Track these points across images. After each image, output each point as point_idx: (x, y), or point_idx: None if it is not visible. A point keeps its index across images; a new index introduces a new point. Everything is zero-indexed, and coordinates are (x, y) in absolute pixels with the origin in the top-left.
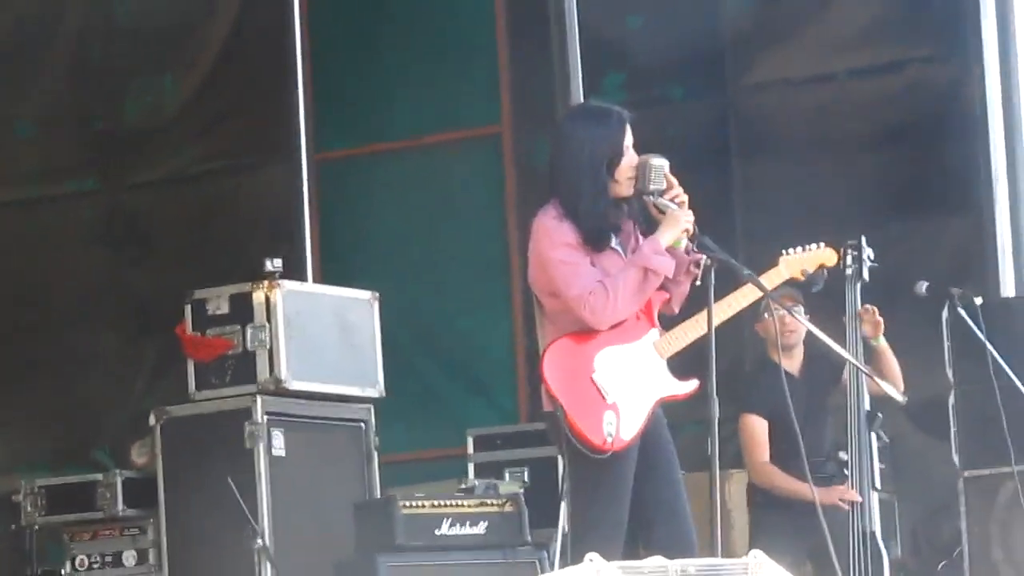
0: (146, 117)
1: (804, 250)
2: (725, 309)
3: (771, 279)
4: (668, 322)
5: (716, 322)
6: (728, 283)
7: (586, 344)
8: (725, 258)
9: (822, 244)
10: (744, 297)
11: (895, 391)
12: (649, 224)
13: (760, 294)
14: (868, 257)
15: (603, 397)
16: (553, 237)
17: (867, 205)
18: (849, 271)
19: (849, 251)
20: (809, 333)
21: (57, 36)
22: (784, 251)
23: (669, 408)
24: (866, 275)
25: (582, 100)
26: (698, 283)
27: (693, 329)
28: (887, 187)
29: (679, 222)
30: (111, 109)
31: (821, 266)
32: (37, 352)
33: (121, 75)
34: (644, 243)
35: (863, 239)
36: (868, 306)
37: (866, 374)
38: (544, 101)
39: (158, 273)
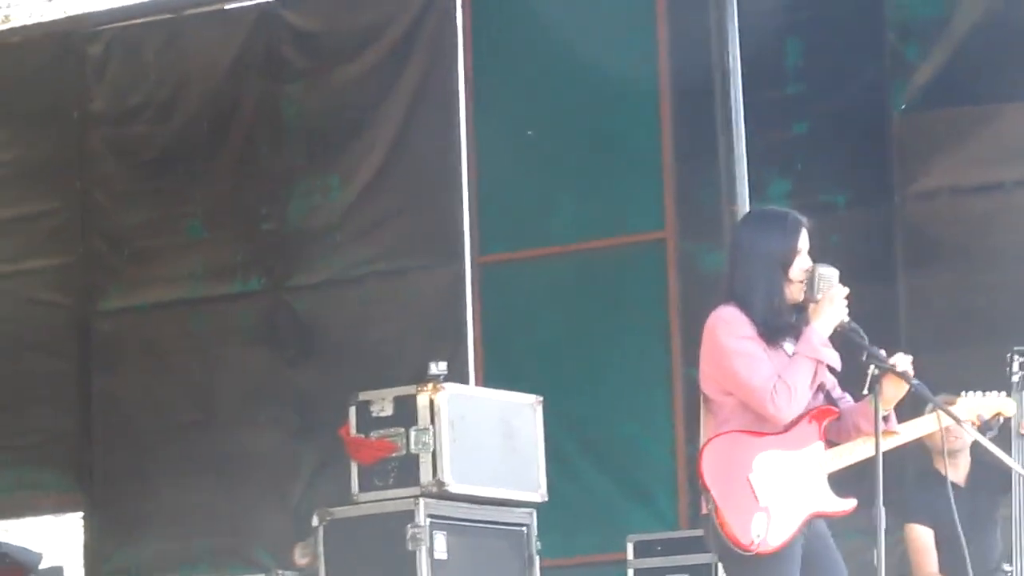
0: (312, 217)
1: (984, 395)
2: (905, 433)
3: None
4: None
5: (893, 445)
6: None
7: (748, 444)
8: (919, 387)
9: (1003, 393)
10: (926, 424)
11: None
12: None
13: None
14: None
15: (756, 498)
16: (733, 328)
17: None
18: (1016, 378)
19: (1016, 357)
20: (975, 442)
21: (227, 136)
22: (963, 392)
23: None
24: None
25: (748, 206)
26: (864, 392)
27: (861, 448)
28: None
29: (835, 308)
30: (277, 209)
31: (998, 414)
32: (200, 450)
33: (288, 175)
34: (809, 334)
35: None
36: None
37: None
38: (709, 207)
39: (320, 374)
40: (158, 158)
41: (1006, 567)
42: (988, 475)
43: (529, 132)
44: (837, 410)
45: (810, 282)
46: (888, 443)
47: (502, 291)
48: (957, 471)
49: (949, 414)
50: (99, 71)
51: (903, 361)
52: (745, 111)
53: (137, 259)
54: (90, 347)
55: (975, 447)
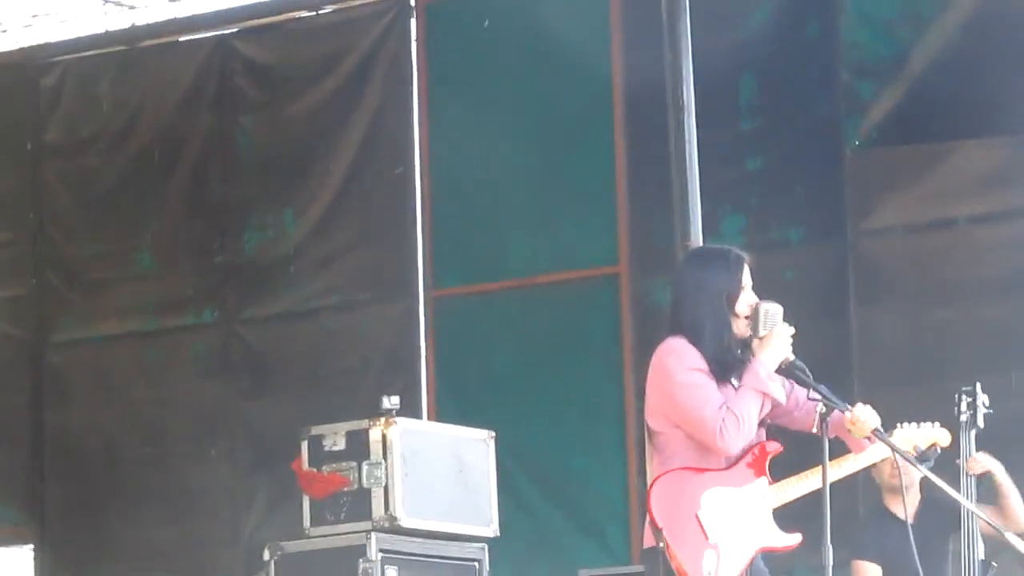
0: (265, 250)
1: (919, 426)
2: (847, 467)
3: (881, 450)
4: (779, 471)
5: (836, 478)
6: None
7: (695, 481)
8: (843, 406)
9: (937, 424)
10: (868, 456)
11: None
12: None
13: (884, 454)
14: (983, 404)
15: (705, 535)
16: (683, 359)
17: (987, 353)
18: (964, 418)
19: (964, 397)
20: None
21: (180, 168)
22: (899, 424)
23: (782, 555)
24: (980, 422)
25: (701, 242)
26: (812, 430)
27: (806, 482)
28: (1008, 335)
29: (780, 343)
30: (230, 241)
31: (934, 444)
32: (152, 484)
33: (241, 207)
34: (755, 366)
35: (977, 385)
36: (977, 457)
37: (986, 522)
38: (663, 242)
39: (273, 407)
40: (111, 190)
41: None
42: (938, 512)
43: (486, 23)
44: (779, 447)
45: (755, 318)
46: (833, 476)
47: (456, 325)
48: (908, 507)
49: (887, 443)
50: (53, 102)
51: (861, 410)
52: (699, 147)
53: (89, 291)
54: (42, 379)
55: (924, 484)
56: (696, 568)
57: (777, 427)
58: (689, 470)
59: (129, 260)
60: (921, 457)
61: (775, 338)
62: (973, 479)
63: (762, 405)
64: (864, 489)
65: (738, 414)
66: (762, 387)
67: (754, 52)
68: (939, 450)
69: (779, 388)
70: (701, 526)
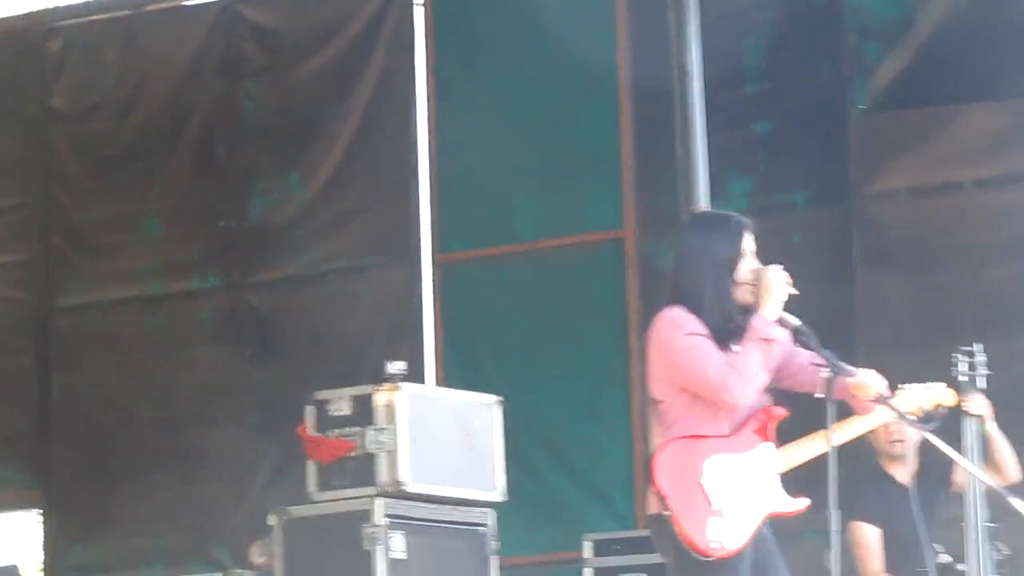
0: (271, 215)
1: (925, 387)
2: (851, 430)
3: (886, 413)
4: (785, 436)
5: (840, 442)
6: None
7: (697, 448)
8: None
9: (943, 384)
10: (872, 419)
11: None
12: None
13: (887, 418)
14: (982, 365)
15: (709, 503)
16: (682, 326)
17: (991, 316)
18: (963, 379)
19: (963, 358)
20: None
21: (186, 133)
22: (902, 385)
23: (788, 519)
24: (980, 384)
25: (708, 205)
26: (817, 393)
27: (811, 446)
28: (1012, 299)
29: (777, 291)
30: (236, 206)
31: (938, 404)
32: (158, 447)
33: (247, 172)
34: (752, 319)
35: (976, 346)
36: (974, 397)
37: (989, 484)
38: (668, 206)
39: (279, 371)
40: (118, 155)
41: (960, 567)
42: (933, 472)
43: None
44: (783, 412)
45: (759, 285)
46: (838, 439)
47: (461, 289)
48: (905, 471)
49: (890, 407)
50: (58, 68)
51: (866, 374)
52: (706, 111)
53: (97, 255)
54: (49, 344)
55: (923, 446)
56: (702, 536)
57: (781, 390)
58: (692, 438)
59: (136, 224)
60: (926, 418)
61: (770, 290)
62: (974, 441)
63: (767, 356)
64: (866, 451)
65: (741, 367)
66: (760, 335)
67: (759, 15)
68: (945, 410)
69: (780, 331)
70: (705, 494)
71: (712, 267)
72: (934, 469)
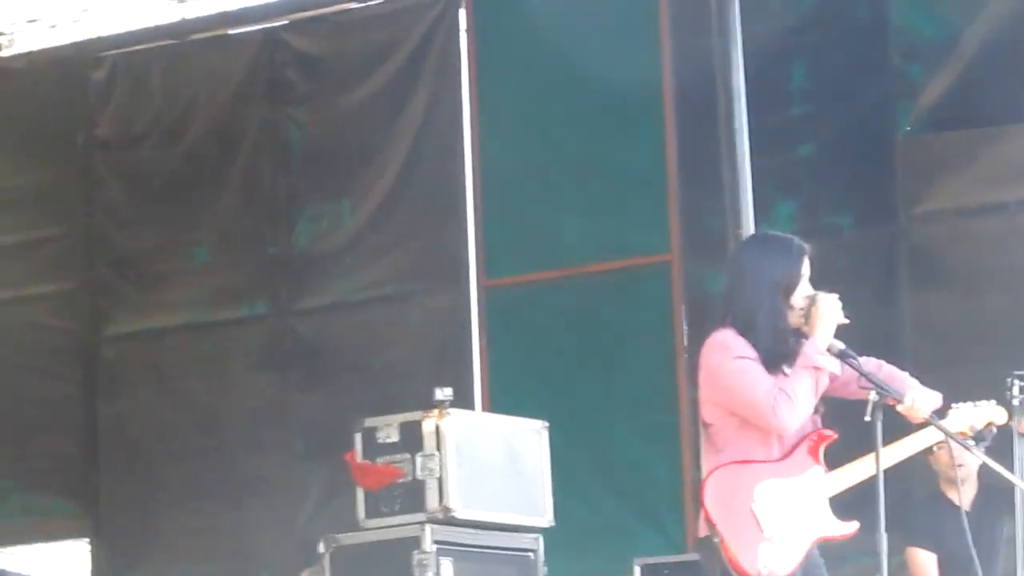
0: (318, 242)
1: (975, 405)
2: (901, 451)
3: (936, 432)
4: (835, 460)
5: (890, 463)
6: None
7: (748, 474)
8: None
9: (993, 401)
10: (922, 440)
11: None
12: None
13: (939, 437)
14: None
15: (760, 529)
16: (731, 348)
17: None
18: (1016, 402)
19: (1016, 381)
20: (982, 465)
21: (233, 161)
22: (954, 405)
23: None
24: None
25: (753, 229)
26: (866, 419)
27: (860, 468)
28: None
29: (830, 319)
30: (283, 233)
31: (990, 424)
32: (207, 475)
33: (294, 199)
34: (805, 346)
35: None
36: None
37: None
38: (714, 230)
39: (326, 398)
40: (164, 183)
41: None
42: (993, 497)
43: None
44: (833, 434)
45: (811, 310)
46: (887, 461)
47: (508, 314)
48: (964, 495)
49: (941, 428)
50: (104, 97)
51: (916, 396)
52: (750, 133)
53: (143, 284)
54: (96, 372)
55: (982, 471)
56: (753, 563)
57: (835, 399)
58: (742, 463)
59: (183, 253)
60: (977, 437)
61: (823, 318)
62: None
63: (816, 383)
64: (921, 473)
65: (790, 392)
66: (810, 362)
67: (804, 37)
68: (995, 429)
69: (831, 361)
70: (756, 520)
71: (769, 289)
72: (995, 495)
